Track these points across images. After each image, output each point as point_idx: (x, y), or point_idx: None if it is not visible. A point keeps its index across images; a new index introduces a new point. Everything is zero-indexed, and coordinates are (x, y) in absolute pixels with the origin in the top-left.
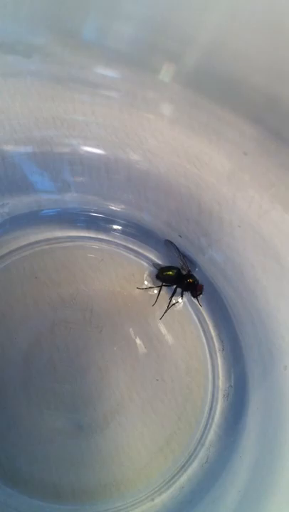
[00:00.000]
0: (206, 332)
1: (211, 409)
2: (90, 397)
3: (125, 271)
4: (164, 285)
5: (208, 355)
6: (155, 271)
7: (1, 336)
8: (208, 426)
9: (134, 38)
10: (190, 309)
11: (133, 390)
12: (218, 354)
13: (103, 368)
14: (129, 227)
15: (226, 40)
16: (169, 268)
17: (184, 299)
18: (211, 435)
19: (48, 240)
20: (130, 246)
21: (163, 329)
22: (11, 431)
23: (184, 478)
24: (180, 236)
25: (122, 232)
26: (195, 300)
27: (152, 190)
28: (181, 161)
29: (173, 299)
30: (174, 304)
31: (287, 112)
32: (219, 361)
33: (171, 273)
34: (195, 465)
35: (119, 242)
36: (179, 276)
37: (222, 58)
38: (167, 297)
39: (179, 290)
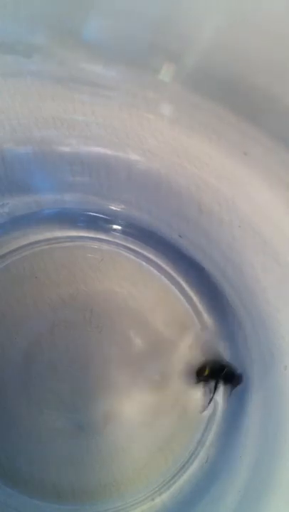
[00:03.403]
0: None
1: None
2: (90, 397)
3: (125, 271)
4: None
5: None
6: None
7: (1, 336)
8: (208, 426)
9: (134, 38)
10: (190, 309)
11: (133, 390)
12: None
13: (103, 368)
14: (129, 227)
15: (226, 40)
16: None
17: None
18: (211, 435)
19: (48, 240)
20: (130, 246)
21: (163, 329)
22: (11, 431)
23: (183, 478)
24: (180, 236)
25: (122, 232)
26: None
27: (152, 190)
28: (181, 161)
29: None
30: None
31: (287, 112)
32: None
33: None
34: (195, 465)
35: (119, 242)
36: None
37: (222, 58)
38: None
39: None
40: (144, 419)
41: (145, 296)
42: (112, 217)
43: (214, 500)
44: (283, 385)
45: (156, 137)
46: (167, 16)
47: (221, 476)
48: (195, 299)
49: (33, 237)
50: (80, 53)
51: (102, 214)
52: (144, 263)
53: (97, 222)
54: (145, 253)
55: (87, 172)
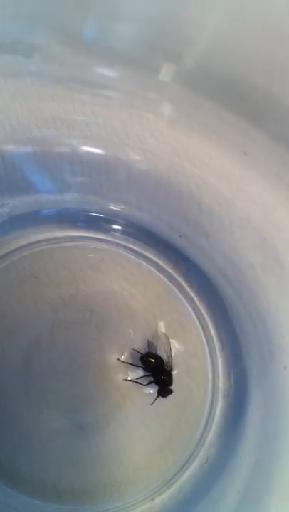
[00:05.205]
0: (206, 332)
1: (211, 409)
2: (90, 397)
3: (125, 271)
4: (142, 367)
5: (208, 355)
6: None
7: (1, 336)
8: (208, 426)
9: (134, 38)
10: (190, 309)
11: (133, 390)
12: (218, 354)
13: (103, 368)
14: (129, 227)
15: (226, 40)
16: (154, 356)
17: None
18: (211, 435)
19: (48, 240)
20: (130, 246)
21: (163, 329)
22: (11, 431)
23: (183, 478)
24: (180, 236)
25: (122, 232)
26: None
27: (152, 190)
28: (181, 161)
29: (140, 380)
30: (137, 382)
31: (287, 112)
32: (219, 361)
33: (153, 361)
34: (195, 465)
35: (119, 242)
36: (158, 369)
37: (222, 58)
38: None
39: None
40: (144, 419)
41: (145, 296)
42: (112, 217)
43: (214, 500)
44: (283, 385)
45: (156, 137)
46: (167, 15)
47: (220, 476)
48: (195, 298)
49: (33, 237)
50: (80, 53)
51: (102, 214)
52: (144, 263)
53: (97, 222)
54: (145, 253)
55: (87, 172)
